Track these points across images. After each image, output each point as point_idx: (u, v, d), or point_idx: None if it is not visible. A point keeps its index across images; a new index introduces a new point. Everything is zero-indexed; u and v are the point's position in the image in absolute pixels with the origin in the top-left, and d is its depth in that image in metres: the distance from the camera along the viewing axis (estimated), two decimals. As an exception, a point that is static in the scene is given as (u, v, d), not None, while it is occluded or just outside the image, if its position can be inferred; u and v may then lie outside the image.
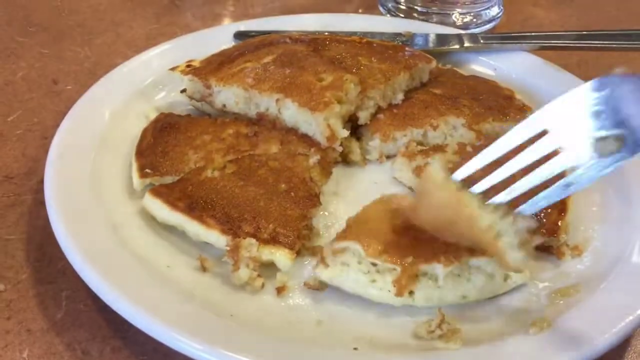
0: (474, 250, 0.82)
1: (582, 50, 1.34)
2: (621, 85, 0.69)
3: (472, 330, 0.81)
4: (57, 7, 1.55)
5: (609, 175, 0.73)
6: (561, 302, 0.84)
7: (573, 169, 0.72)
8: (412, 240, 0.84)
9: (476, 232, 0.75)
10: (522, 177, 0.74)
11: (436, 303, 0.83)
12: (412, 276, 0.82)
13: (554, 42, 1.31)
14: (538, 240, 0.77)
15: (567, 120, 0.72)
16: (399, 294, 0.82)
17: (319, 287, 0.86)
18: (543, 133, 0.73)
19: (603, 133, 0.70)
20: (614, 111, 0.69)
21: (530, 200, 0.75)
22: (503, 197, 0.75)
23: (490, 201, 0.75)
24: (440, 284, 0.83)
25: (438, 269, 0.82)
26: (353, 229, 0.87)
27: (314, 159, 1.00)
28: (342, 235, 0.87)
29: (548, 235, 0.91)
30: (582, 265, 0.91)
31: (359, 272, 0.84)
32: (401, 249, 0.83)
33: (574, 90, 0.72)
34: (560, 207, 0.94)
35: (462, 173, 0.77)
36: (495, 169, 0.76)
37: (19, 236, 0.96)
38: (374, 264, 0.83)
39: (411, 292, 0.83)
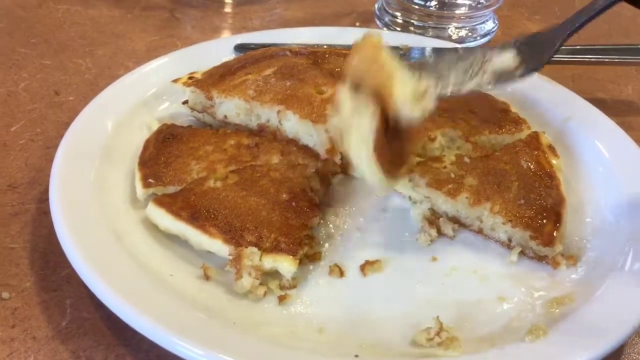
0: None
1: (575, 64, 1.37)
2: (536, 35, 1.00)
3: (469, 339, 0.83)
4: (59, 19, 1.57)
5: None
6: (556, 310, 0.86)
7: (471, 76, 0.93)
8: None
9: (382, 73, 0.85)
10: None
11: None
12: None
13: (548, 57, 1.34)
14: (429, 103, 0.88)
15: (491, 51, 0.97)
16: None
17: None
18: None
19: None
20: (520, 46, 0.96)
21: None
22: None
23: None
24: None
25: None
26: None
27: (311, 168, 1.03)
28: None
29: (543, 245, 0.93)
30: (577, 275, 0.93)
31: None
32: None
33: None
34: (555, 218, 0.96)
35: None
36: None
37: (23, 245, 0.97)
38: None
39: None
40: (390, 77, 0.85)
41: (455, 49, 1.01)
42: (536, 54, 0.96)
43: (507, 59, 0.94)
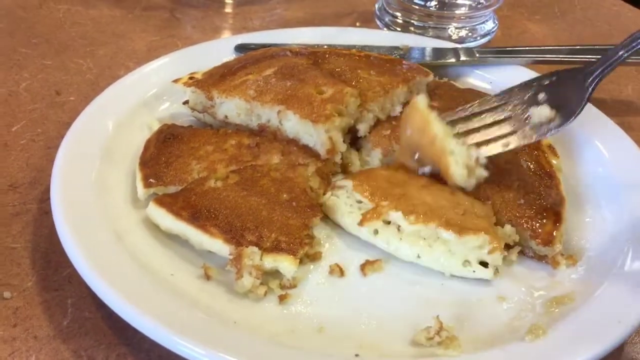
0: (450, 224, 0.92)
1: (574, 64, 1.36)
2: (562, 75, 0.99)
3: (469, 338, 0.83)
4: (60, 19, 1.57)
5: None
6: (556, 310, 0.87)
7: (514, 131, 0.99)
8: (401, 193, 0.96)
9: (435, 148, 0.94)
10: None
11: (392, 250, 0.94)
12: (379, 214, 0.94)
13: (547, 57, 1.35)
14: (482, 172, 0.95)
15: (522, 99, 1.01)
16: (360, 222, 0.95)
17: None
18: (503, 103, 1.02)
19: (538, 106, 0.98)
20: (552, 93, 0.98)
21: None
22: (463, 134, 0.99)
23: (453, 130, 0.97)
24: (402, 236, 0.93)
25: (403, 222, 0.92)
26: (357, 174, 1.04)
27: (312, 168, 1.03)
28: (345, 176, 1.04)
29: (543, 245, 0.94)
30: (577, 275, 0.93)
31: (343, 203, 0.98)
32: (385, 195, 0.96)
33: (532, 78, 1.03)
34: (555, 218, 0.96)
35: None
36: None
37: (24, 245, 0.98)
38: (359, 202, 0.97)
39: (377, 232, 0.95)
40: (444, 152, 0.94)
41: (492, 98, 1.04)
42: (567, 103, 0.98)
43: (544, 113, 0.97)
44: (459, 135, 0.97)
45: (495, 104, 1.02)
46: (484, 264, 0.91)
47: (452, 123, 1.00)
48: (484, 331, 0.85)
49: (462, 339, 0.82)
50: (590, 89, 0.97)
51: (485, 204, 0.97)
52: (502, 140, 0.98)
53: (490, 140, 0.99)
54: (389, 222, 0.95)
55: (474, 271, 0.91)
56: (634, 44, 0.96)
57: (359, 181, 1.00)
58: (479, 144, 0.98)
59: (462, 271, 0.92)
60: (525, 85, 1.03)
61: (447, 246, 0.92)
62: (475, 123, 1.01)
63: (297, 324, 0.85)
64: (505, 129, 0.99)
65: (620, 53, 0.97)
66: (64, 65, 1.40)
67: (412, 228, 0.92)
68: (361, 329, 0.85)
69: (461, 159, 0.93)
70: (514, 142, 0.98)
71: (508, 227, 0.96)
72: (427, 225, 0.92)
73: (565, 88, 0.99)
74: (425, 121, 0.96)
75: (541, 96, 0.99)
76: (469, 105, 1.01)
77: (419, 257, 0.93)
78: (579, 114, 0.97)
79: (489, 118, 1.00)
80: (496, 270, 0.91)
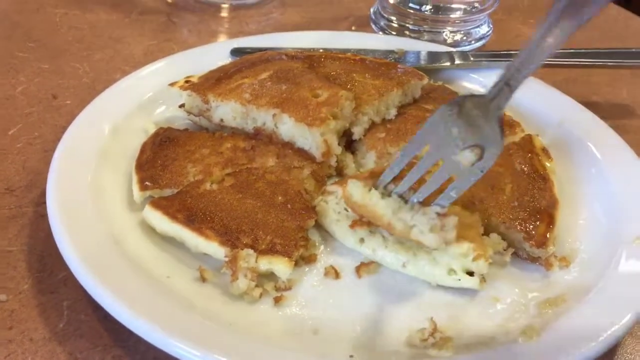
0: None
1: (568, 67, 1.38)
2: (465, 103, 0.83)
3: (463, 339, 0.84)
4: (56, 23, 1.58)
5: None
6: (549, 311, 0.87)
7: (456, 174, 0.86)
8: None
9: (396, 229, 0.88)
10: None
11: (378, 259, 0.95)
12: (365, 223, 0.94)
13: (541, 60, 1.35)
14: (453, 220, 0.87)
15: (440, 137, 0.85)
16: (352, 225, 0.95)
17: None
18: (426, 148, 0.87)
19: (463, 146, 0.83)
20: (467, 126, 0.83)
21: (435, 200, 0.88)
22: (412, 197, 0.89)
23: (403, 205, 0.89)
24: (387, 244, 0.94)
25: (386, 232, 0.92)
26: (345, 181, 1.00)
27: (307, 170, 1.04)
28: (337, 182, 1.04)
29: (536, 247, 0.94)
30: (570, 276, 0.94)
31: (332, 210, 0.98)
32: None
33: (435, 113, 0.85)
34: (548, 220, 0.97)
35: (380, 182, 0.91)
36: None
37: (20, 247, 0.98)
38: (347, 209, 0.96)
39: (362, 240, 0.95)
40: (405, 229, 0.88)
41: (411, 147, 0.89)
42: (483, 134, 0.83)
43: (469, 158, 0.84)
44: (410, 207, 0.88)
45: (417, 153, 0.88)
46: (470, 273, 0.91)
47: (389, 186, 0.91)
48: (478, 332, 0.85)
49: (456, 340, 0.83)
50: (496, 112, 0.82)
51: (473, 214, 0.96)
52: (449, 189, 0.86)
53: (437, 191, 0.88)
54: (374, 232, 0.95)
55: (459, 280, 0.90)
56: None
57: (345, 189, 0.95)
58: (428, 200, 0.88)
59: (447, 280, 0.91)
60: (435, 123, 0.85)
61: (432, 255, 0.92)
62: (413, 177, 0.89)
63: (292, 325, 0.86)
64: (443, 176, 0.86)
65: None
66: (60, 69, 1.41)
67: (396, 236, 0.92)
68: (356, 331, 0.85)
69: (424, 226, 0.86)
70: (462, 187, 0.86)
71: (495, 236, 0.96)
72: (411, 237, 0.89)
73: (471, 118, 0.83)
74: (368, 210, 0.90)
75: (454, 131, 0.83)
76: (394, 164, 0.89)
77: (404, 266, 0.93)
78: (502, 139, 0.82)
79: (421, 170, 0.87)
80: (482, 279, 0.90)
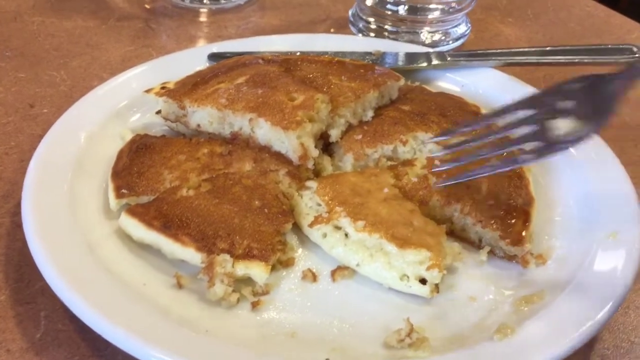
0: (395, 237, 0.93)
1: (546, 65, 1.38)
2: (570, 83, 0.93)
3: (440, 339, 0.84)
4: (33, 32, 1.57)
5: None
6: (525, 308, 0.88)
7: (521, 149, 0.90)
8: (359, 203, 0.98)
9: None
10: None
11: (334, 255, 0.96)
12: (329, 219, 0.97)
13: (519, 59, 1.36)
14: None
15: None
16: (311, 224, 0.97)
17: None
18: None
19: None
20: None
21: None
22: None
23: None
24: (347, 242, 0.95)
25: (350, 228, 0.94)
26: (326, 177, 1.06)
27: (282, 172, 1.04)
28: (317, 179, 1.07)
29: (512, 245, 0.95)
30: (546, 273, 0.94)
31: (304, 204, 1.01)
32: (343, 202, 0.98)
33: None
34: (524, 218, 0.98)
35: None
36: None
37: (-3, 258, 0.98)
38: (318, 204, 1.00)
39: (325, 235, 0.96)
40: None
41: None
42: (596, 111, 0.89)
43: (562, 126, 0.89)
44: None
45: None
46: (424, 280, 0.90)
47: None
48: (455, 332, 0.86)
49: (432, 340, 0.83)
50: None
51: (439, 226, 0.97)
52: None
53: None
54: (339, 228, 0.96)
55: (410, 286, 0.90)
56: None
57: (324, 185, 1.02)
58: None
59: (399, 285, 0.91)
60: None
61: (388, 258, 0.92)
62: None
63: (269, 330, 0.86)
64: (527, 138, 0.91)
65: None
66: (37, 77, 1.40)
67: (357, 236, 0.94)
68: (333, 333, 0.86)
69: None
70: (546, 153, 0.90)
71: (455, 245, 0.97)
72: (371, 235, 0.93)
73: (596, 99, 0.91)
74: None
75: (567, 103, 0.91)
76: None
77: (358, 265, 0.93)
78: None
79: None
80: (435, 288, 0.90)
